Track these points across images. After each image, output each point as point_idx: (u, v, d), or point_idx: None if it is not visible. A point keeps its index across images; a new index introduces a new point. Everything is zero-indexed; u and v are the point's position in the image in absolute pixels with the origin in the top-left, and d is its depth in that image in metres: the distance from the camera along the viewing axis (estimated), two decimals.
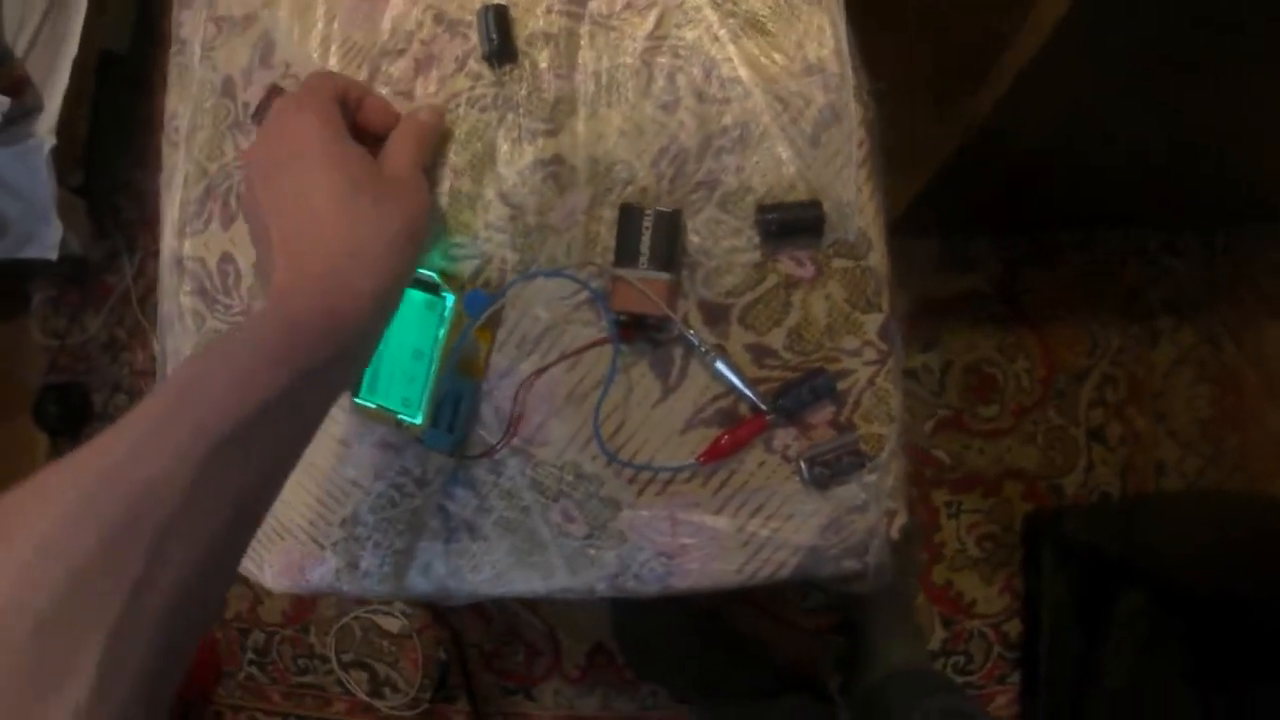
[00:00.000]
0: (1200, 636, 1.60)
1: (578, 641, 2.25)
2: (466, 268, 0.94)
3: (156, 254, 2.70)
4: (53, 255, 2.51)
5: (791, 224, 0.86)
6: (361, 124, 0.86)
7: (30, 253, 2.51)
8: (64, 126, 2.33)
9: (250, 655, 2.52)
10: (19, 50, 2.28)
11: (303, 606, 2.48)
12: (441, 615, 2.35)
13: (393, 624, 2.40)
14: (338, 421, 0.98)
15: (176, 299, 1.12)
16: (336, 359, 0.65)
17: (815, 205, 0.86)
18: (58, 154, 2.31)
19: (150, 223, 2.78)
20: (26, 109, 2.28)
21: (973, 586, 2.07)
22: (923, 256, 2.13)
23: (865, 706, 1.69)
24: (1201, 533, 1.89)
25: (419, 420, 0.89)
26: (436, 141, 0.93)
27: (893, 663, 1.87)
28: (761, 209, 0.87)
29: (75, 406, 2.82)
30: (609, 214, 0.90)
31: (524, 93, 0.95)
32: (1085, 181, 1.73)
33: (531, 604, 2.27)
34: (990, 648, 2.06)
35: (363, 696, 2.41)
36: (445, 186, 0.96)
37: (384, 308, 0.72)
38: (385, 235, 0.73)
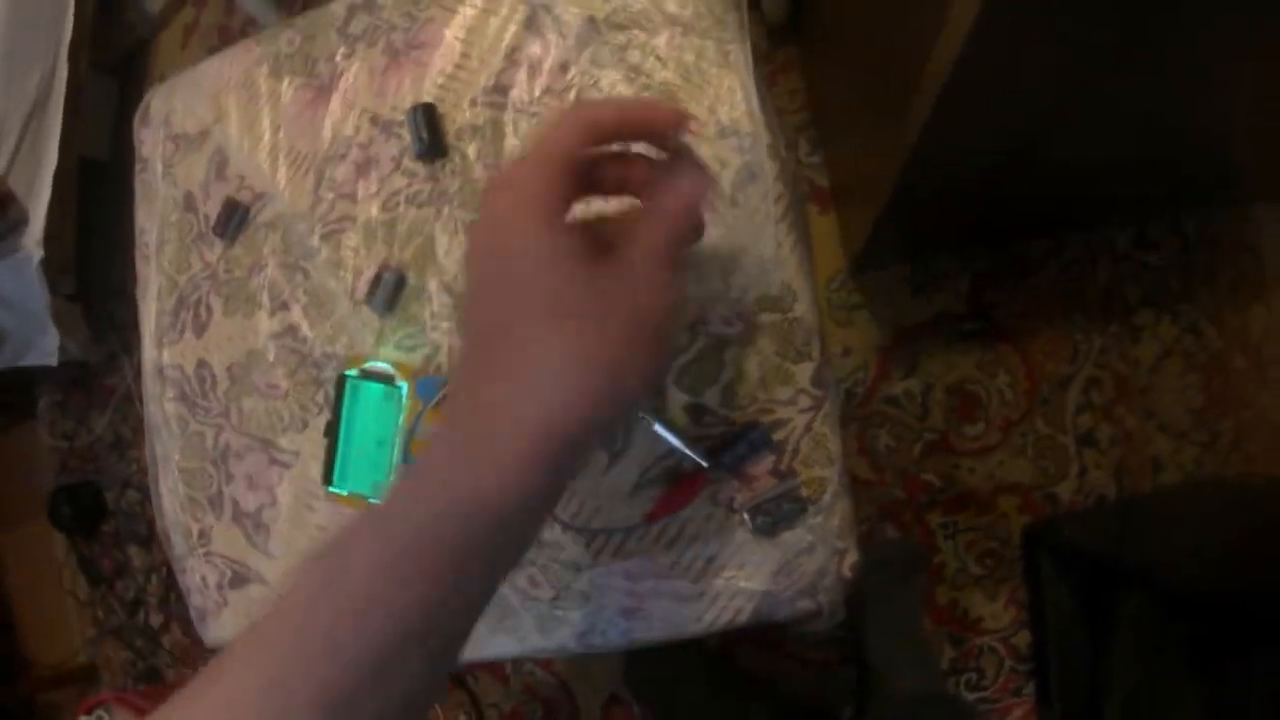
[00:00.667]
0: (1201, 633, 1.61)
1: (592, 693, 2.27)
2: (417, 356, 0.98)
3: None
4: (53, 361, 2.57)
5: None
6: (639, 135, 0.65)
7: (31, 360, 2.57)
8: (51, 236, 2.38)
9: None
10: (0, 166, 2.34)
11: None
12: (459, 678, 2.37)
13: None
14: (315, 510, 1.03)
15: (161, 405, 1.18)
16: (476, 562, 0.56)
17: None
18: (47, 264, 2.36)
19: None
20: (12, 223, 2.34)
21: (977, 603, 2.08)
22: (892, 284, 2.15)
23: None
24: (1197, 527, 1.89)
25: None
26: (690, 222, 0.66)
27: (903, 690, 1.88)
28: None
29: (88, 506, 2.87)
30: None
31: (457, 185, 1.00)
32: (1042, 186, 1.73)
33: (543, 660, 2.29)
34: (1001, 662, 2.07)
35: None
36: None
37: (541, 486, 0.57)
38: (560, 385, 0.55)
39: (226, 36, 2.94)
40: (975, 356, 2.12)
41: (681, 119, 0.63)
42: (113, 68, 3.01)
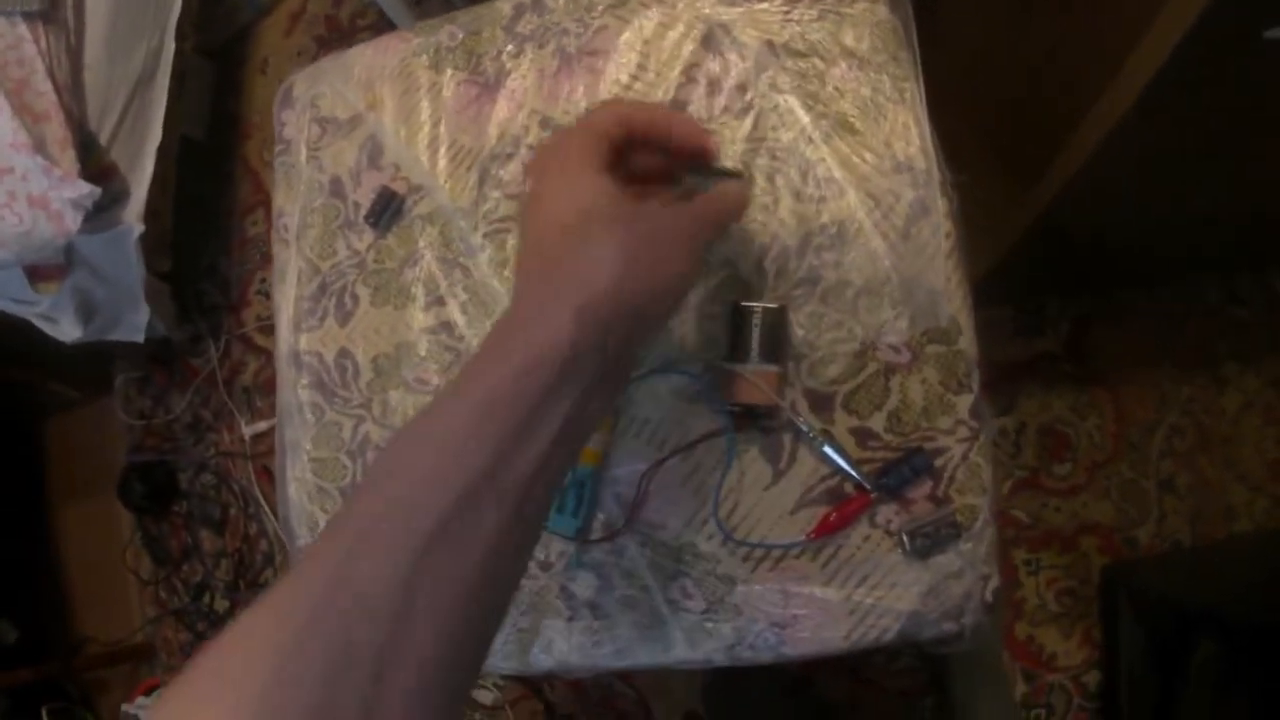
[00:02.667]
0: (1274, 681, 1.62)
1: (669, 709, 2.27)
2: None
3: (241, 338, 2.79)
4: (139, 338, 2.58)
5: None
6: (675, 148, 0.81)
7: (118, 335, 2.58)
8: (150, 213, 2.39)
9: None
10: (104, 138, 2.36)
11: None
12: (535, 686, 2.38)
13: (486, 696, 2.43)
14: None
15: (295, 392, 1.18)
16: (537, 414, 0.63)
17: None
18: (145, 240, 2.37)
19: (234, 308, 2.86)
20: (114, 196, 2.35)
21: (1052, 640, 2.08)
22: (996, 323, 2.17)
23: None
24: (1270, 576, 1.90)
25: None
26: (726, 213, 0.84)
27: None
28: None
29: (161, 485, 2.88)
30: (718, 310, 0.97)
31: None
32: (1148, 241, 1.75)
33: (624, 672, 2.29)
34: (1070, 699, 2.07)
35: None
36: None
37: (590, 339, 0.65)
38: (592, 257, 0.67)
39: (334, 26, 2.96)
40: (1070, 399, 2.14)
41: (704, 139, 0.81)
42: (211, 51, 3.03)
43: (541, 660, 1.01)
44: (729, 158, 1.00)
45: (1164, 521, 2.09)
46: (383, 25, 2.63)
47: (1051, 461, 2.13)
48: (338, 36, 2.95)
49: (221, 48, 3.06)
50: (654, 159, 0.82)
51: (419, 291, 1.11)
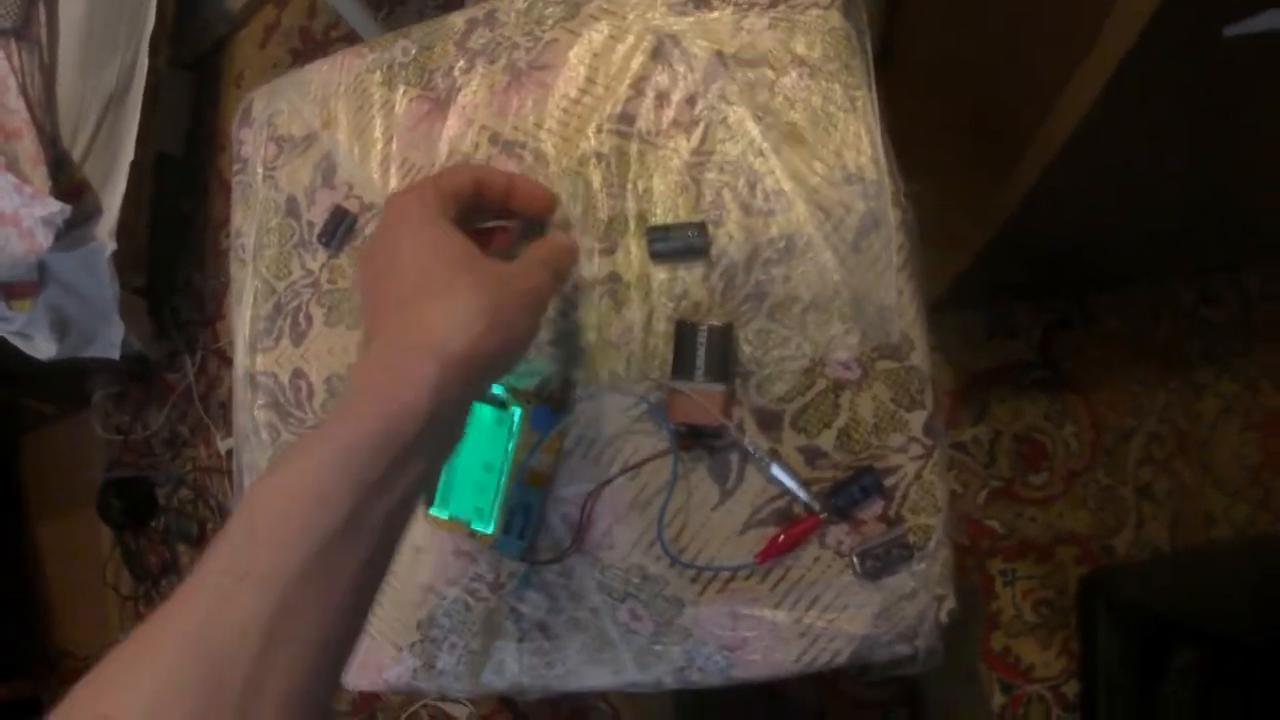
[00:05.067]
0: (1252, 689, 1.61)
1: None
2: (532, 383, 0.98)
3: (217, 353, 2.79)
4: (115, 355, 2.58)
5: (681, 248, 0.96)
6: (519, 209, 0.91)
7: (93, 352, 2.58)
8: (124, 229, 2.39)
9: None
10: (76, 155, 2.36)
11: (370, 694, 2.50)
12: (509, 700, 2.36)
13: (460, 711, 2.43)
14: (413, 531, 1.03)
15: (251, 413, 1.17)
16: (398, 467, 0.65)
17: (700, 226, 0.96)
18: (118, 256, 2.37)
19: (210, 323, 2.85)
20: (86, 213, 2.35)
21: (1030, 651, 2.07)
22: (966, 329, 2.16)
23: None
24: (1250, 582, 1.89)
25: (491, 529, 0.94)
26: (564, 263, 0.89)
27: None
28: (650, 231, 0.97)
29: (139, 500, 2.88)
30: (664, 328, 0.95)
31: (579, 212, 1.00)
32: (1118, 242, 1.75)
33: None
34: (1049, 710, 2.05)
35: None
36: None
37: (450, 399, 0.68)
38: (458, 317, 0.70)
39: (308, 38, 2.96)
40: (1044, 406, 2.13)
41: (553, 205, 0.94)
42: (189, 64, 3.03)
43: (493, 682, 1.00)
44: (673, 172, 0.99)
45: (1142, 529, 2.07)
46: (355, 36, 2.63)
47: (1027, 470, 2.12)
48: (312, 48, 2.95)
49: (197, 61, 3.05)
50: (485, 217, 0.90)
51: None
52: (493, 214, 0.90)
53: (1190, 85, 1.15)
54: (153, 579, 2.91)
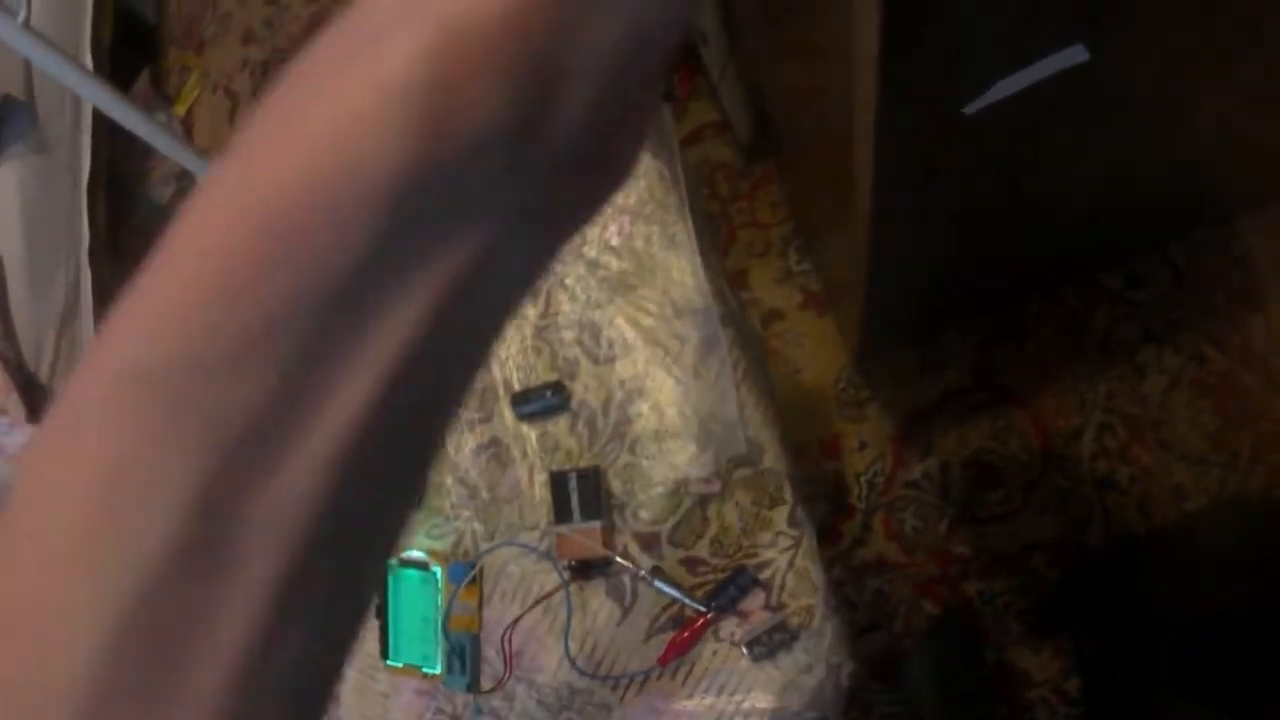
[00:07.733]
0: (1235, 659, 1.66)
1: None
2: (446, 543, 1.12)
3: None
4: None
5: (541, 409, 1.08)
6: None
7: None
8: None
9: None
10: (43, 377, 2.36)
11: None
12: None
13: None
14: (377, 680, 1.16)
15: None
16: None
17: (556, 385, 1.07)
18: None
19: None
20: None
21: (1023, 658, 2.08)
22: (900, 370, 2.18)
23: None
24: (1228, 547, 1.88)
25: (438, 670, 1.10)
26: None
27: None
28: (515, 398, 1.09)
29: None
30: (543, 478, 1.08)
31: None
32: (1024, 248, 1.81)
33: None
34: (1055, 710, 2.06)
35: None
36: None
37: (459, 144, 0.25)
38: None
39: None
40: (986, 426, 2.13)
41: None
42: (138, 259, 3.05)
43: None
44: (527, 338, 1.11)
45: (1111, 518, 2.08)
46: None
47: (983, 492, 2.12)
48: None
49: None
50: None
51: None
52: None
53: (967, 144, 1.22)
54: None
